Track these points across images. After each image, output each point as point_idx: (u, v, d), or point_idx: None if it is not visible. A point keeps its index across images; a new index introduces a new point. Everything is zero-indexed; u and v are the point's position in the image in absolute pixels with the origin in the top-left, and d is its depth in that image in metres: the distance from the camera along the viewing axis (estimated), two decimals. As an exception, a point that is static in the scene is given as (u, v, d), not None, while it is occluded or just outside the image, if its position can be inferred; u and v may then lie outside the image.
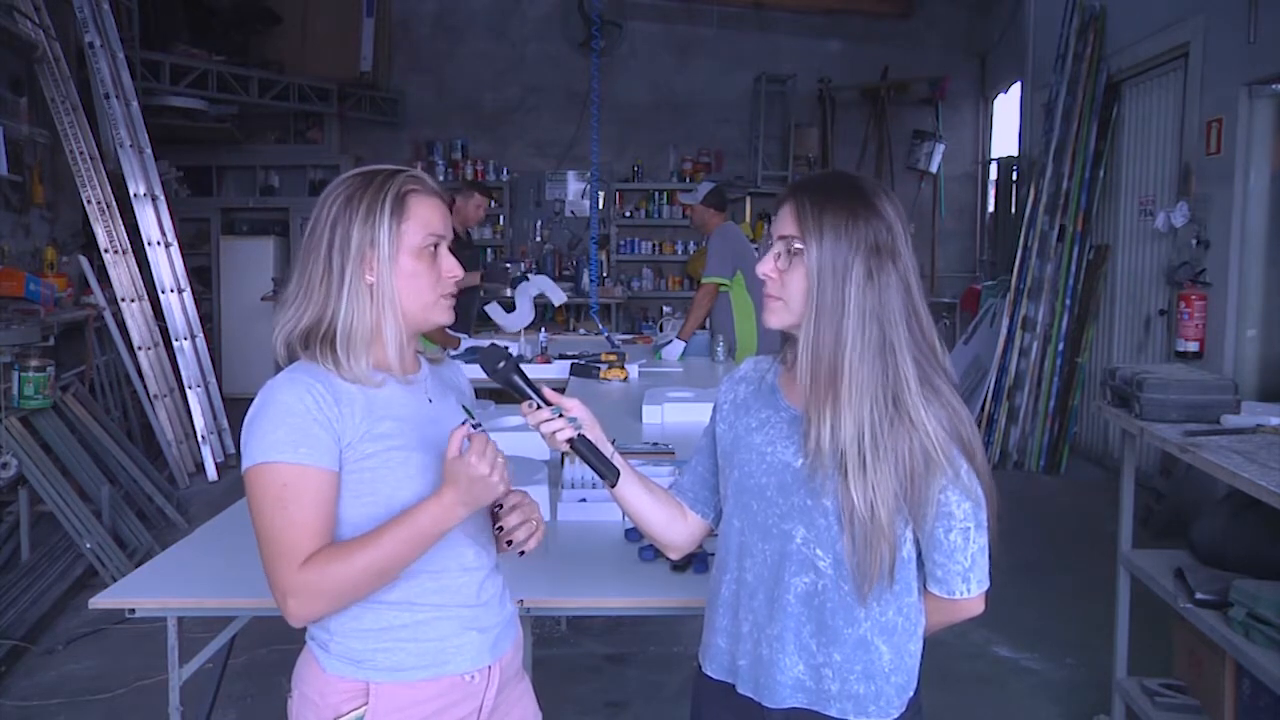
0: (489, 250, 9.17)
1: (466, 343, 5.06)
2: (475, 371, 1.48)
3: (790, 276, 1.34)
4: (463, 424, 1.34)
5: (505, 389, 1.42)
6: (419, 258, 1.41)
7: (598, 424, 1.45)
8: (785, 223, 1.35)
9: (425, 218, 1.41)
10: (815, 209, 1.32)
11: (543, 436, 1.41)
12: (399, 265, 1.39)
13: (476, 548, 1.45)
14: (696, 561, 2.04)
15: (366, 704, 1.37)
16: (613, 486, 1.47)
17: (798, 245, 1.33)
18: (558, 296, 5.55)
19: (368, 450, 1.35)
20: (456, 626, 1.42)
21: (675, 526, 1.53)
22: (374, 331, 1.39)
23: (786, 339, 1.42)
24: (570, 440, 1.41)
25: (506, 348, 1.45)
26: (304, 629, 1.43)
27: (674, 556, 1.60)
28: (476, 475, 1.30)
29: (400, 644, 1.38)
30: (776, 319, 1.38)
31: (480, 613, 1.45)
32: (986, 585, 1.36)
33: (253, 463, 1.32)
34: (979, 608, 1.38)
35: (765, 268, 1.38)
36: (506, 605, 1.52)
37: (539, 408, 1.40)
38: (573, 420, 1.41)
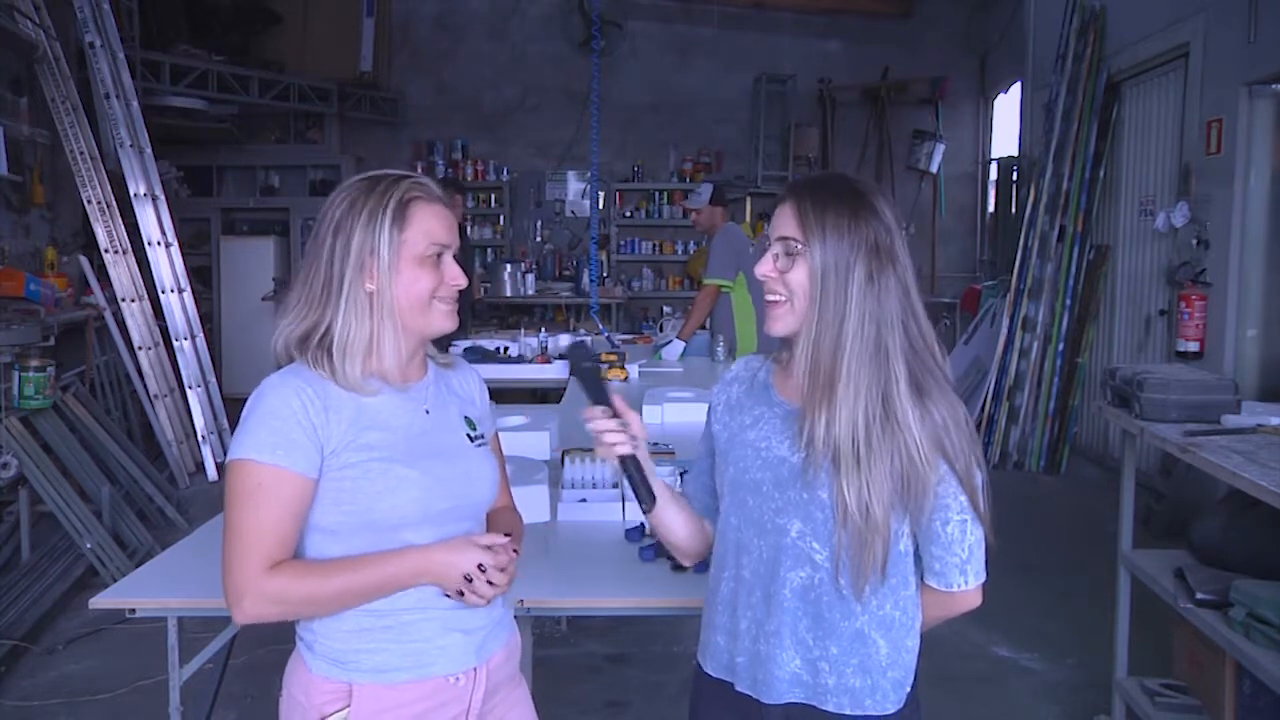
0: (488, 250, 9.18)
1: (463, 343, 5.06)
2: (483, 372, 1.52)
3: (792, 277, 1.34)
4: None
5: (579, 384, 1.44)
6: (421, 266, 1.39)
7: (645, 447, 1.43)
8: (786, 223, 1.35)
9: (428, 226, 1.39)
10: (817, 209, 1.32)
11: (596, 442, 1.40)
12: (399, 274, 1.38)
13: None
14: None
15: (349, 705, 1.36)
16: (647, 512, 1.45)
17: (799, 246, 1.32)
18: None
19: (351, 459, 1.34)
20: (439, 628, 1.40)
21: (698, 538, 1.53)
22: (372, 340, 1.38)
23: (785, 339, 1.41)
24: (623, 456, 1.40)
25: (588, 344, 1.52)
26: (294, 628, 1.43)
27: (689, 563, 1.60)
28: (458, 567, 1.34)
29: (383, 645, 1.37)
30: (783, 325, 1.36)
31: (465, 614, 1.42)
32: (984, 577, 1.36)
33: (233, 457, 1.34)
34: (976, 600, 1.38)
35: (764, 269, 1.37)
36: (495, 607, 1.49)
37: (607, 415, 1.39)
38: (633, 438, 1.40)
